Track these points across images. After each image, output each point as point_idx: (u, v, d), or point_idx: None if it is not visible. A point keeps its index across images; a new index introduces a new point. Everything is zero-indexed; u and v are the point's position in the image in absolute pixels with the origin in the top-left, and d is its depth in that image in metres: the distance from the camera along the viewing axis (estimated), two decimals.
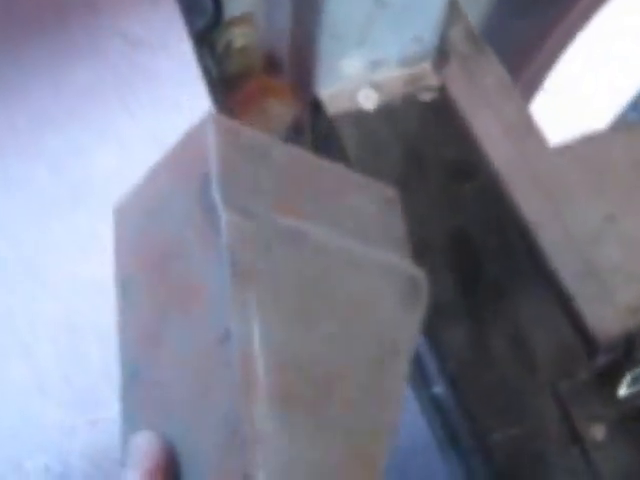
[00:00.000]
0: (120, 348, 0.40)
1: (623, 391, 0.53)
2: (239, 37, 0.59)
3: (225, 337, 0.33)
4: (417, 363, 0.59)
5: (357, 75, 0.63)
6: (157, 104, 0.73)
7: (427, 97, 0.64)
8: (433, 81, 0.65)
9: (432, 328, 0.56)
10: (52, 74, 0.90)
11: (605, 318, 0.57)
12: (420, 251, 0.59)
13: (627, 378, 0.54)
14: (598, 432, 0.52)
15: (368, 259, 0.38)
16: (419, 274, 0.40)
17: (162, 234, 0.39)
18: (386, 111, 0.63)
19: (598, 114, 1.06)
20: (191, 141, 0.38)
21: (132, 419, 0.39)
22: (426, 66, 0.65)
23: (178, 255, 0.37)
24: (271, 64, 0.62)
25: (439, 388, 0.56)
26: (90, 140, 1.12)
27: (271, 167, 0.37)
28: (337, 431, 0.35)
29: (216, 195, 0.35)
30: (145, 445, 0.36)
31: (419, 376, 0.59)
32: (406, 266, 0.40)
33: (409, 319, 0.39)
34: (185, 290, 0.37)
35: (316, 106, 0.63)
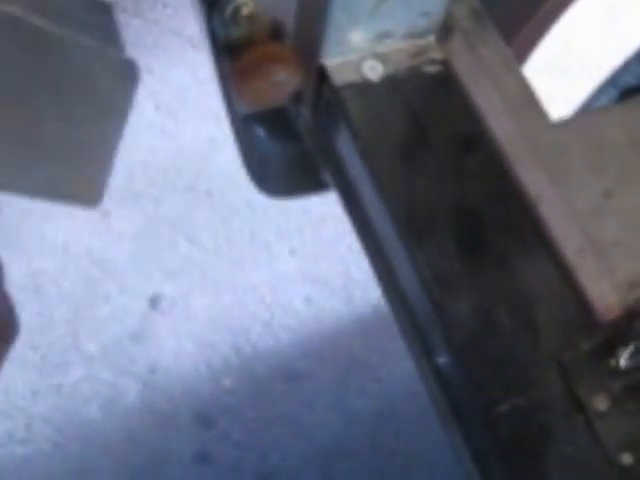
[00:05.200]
0: None
1: (624, 363, 0.54)
2: (247, 3, 0.59)
3: None
4: (420, 333, 0.60)
5: (363, 47, 0.63)
6: None
7: (431, 70, 0.64)
8: (437, 54, 0.65)
9: (437, 298, 0.56)
10: None
11: (605, 293, 0.58)
12: (425, 221, 0.60)
13: (628, 350, 0.55)
14: (601, 402, 0.53)
15: (84, 44, 0.46)
16: (131, 58, 0.51)
17: None
18: (391, 82, 0.63)
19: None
20: None
21: None
22: (431, 40, 0.65)
23: None
24: (277, 31, 0.61)
25: (443, 358, 0.57)
26: None
27: None
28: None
29: None
30: None
31: (422, 346, 0.59)
32: (119, 52, 0.50)
33: (123, 89, 0.50)
34: None
35: (321, 75, 0.63)
